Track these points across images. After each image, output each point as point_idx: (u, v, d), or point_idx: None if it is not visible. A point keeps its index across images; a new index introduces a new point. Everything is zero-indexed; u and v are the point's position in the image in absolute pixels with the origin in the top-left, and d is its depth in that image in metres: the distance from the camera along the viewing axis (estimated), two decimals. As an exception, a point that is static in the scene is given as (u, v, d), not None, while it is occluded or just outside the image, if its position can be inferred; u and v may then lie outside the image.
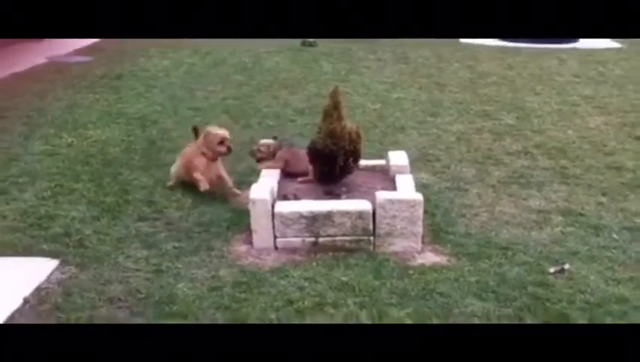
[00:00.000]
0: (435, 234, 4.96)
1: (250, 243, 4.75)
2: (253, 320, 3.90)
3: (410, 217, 4.65)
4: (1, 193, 5.64)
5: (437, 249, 4.76)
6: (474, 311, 3.99)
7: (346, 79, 9.70)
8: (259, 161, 5.69)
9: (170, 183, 5.76)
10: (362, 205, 4.68)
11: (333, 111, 4.95)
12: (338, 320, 3.90)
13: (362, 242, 4.67)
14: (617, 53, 12.02)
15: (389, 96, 8.90)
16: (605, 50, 12.31)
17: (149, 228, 5.03)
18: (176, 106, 8.36)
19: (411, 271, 4.43)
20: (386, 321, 3.89)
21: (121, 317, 3.94)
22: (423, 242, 4.76)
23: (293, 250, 4.67)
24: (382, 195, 4.67)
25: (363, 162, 5.32)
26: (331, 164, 4.99)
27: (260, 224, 4.69)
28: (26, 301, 4.08)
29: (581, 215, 5.31)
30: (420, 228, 4.70)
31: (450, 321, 3.90)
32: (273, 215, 4.65)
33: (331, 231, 4.65)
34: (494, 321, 3.89)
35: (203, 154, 5.55)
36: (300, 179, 5.27)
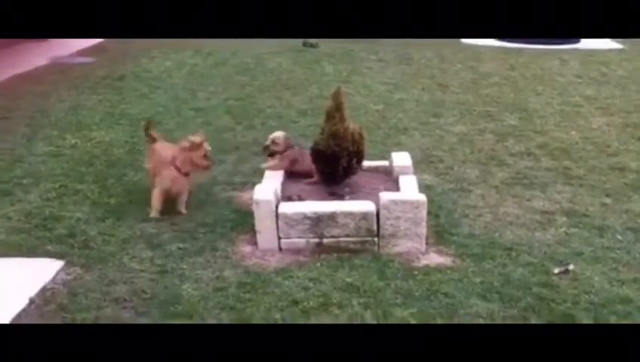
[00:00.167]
0: (439, 235, 4.97)
1: (255, 243, 4.76)
2: (257, 320, 3.91)
3: (414, 218, 4.65)
4: (6, 194, 5.66)
5: (441, 250, 4.76)
6: (478, 311, 4.00)
7: (348, 80, 9.71)
8: (271, 155, 5.52)
9: (153, 215, 5.20)
10: (366, 206, 4.69)
11: (335, 112, 4.96)
12: (343, 320, 3.91)
13: (366, 243, 4.68)
14: (619, 54, 12.02)
15: (391, 97, 8.91)
16: (607, 50, 12.30)
17: (154, 229, 5.04)
18: (179, 107, 8.37)
19: (415, 272, 4.44)
20: (390, 322, 3.90)
21: (126, 317, 3.96)
22: (427, 243, 4.77)
23: (297, 251, 4.68)
24: (386, 196, 4.68)
25: (366, 163, 5.32)
26: (334, 165, 4.99)
27: (264, 225, 4.70)
28: (31, 301, 4.09)
29: (585, 216, 5.32)
30: (423, 229, 4.71)
31: (455, 322, 3.91)
32: (277, 216, 4.66)
33: (335, 232, 4.66)
34: (499, 322, 3.90)
35: (177, 169, 5.10)
36: (306, 181, 5.26)
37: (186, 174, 5.19)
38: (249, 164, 6.37)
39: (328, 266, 4.51)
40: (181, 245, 4.79)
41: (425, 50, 11.77)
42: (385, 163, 5.58)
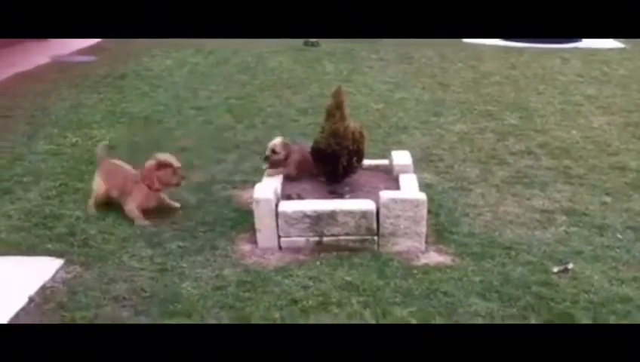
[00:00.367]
0: (439, 233, 4.97)
1: (255, 242, 4.76)
2: (257, 319, 3.91)
3: (414, 217, 4.65)
4: (6, 193, 5.66)
5: (441, 248, 4.76)
6: (478, 310, 4.00)
7: (349, 79, 9.71)
8: (273, 165, 5.24)
9: (91, 211, 5.24)
10: (366, 205, 4.69)
11: (336, 111, 4.95)
12: (342, 319, 3.91)
13: (366, 242, 4.68)
14: (621, 53, 12.01)
15: (392, 96, 8.91)
16: (608, 49, 12.29)
17: (154, 228, 5.04)
18: (180, 106, 8.38)
19: (415, 271, 4.44)
20: (389, 320, 3.90)
21: (126, 315, 3.96)
22: (426, 242, 4.77)
23: (297, 250, 4.68)
24: (386, 195, 4.68)
25: (366, 162, 5.32)
26: (334, 164, 4.99)
27: (263, 223, 4.70)
28: (31, 300, 4.10)
29: (585, 215, 5.31)
30: (423, 228, 4.71)
31: (454, 321, 3.91)
32: (277, 214, 4.66)
33: (335, 230, 4.66)
34: (498, 321, 3.90)
35: (149, 186, 5.13)
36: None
37: (157, 190, 5.21)
38: (249, 162, 6.38)
39: (328, 265, 4.51)
40: (181, 243, 4.80)
41: (426, 50, 11.77)
42: (385, 162, 5.57)
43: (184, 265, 4.52)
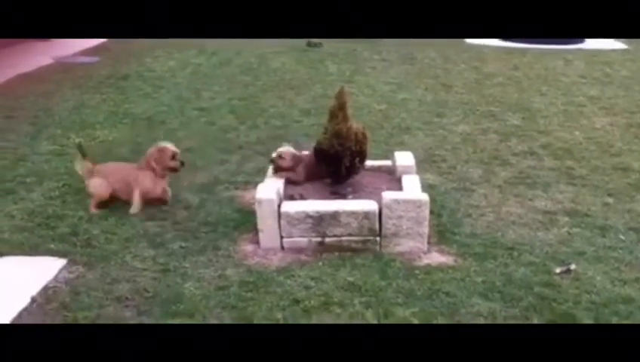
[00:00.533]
0: (441, 234, 4.97)
1: (257, 243, 4.76)
2: (259, 319, 3.91)
3: (417, 217, 4.65)
4: (9, 193, 5.68)
5: (443, 249, 4.76)
6: (480, 310, 4.00)
7: (352, 80, 9.71)
8: (278, 170, 5.21)
9: (94, 210, 5.30)
10: (368, 205, 4.69)
11: (338, 111, 4.96)
12: (344, 319, 3.92)
13: (368, 242, 4.68)
14: (623, 54, 12.00)
15: (394, 97, 8.91)
16: (611, 50, 12.28)
17: (157, 228, 5.05)
18: (183, 107, 8.39)
19: (417, 271, 4.44)
20: (391, 321, 3.90)
21: (128, 315, 3.97)
22: (429, 242, 4.77)
23: (299, 250, 4.68)
24: (388, 195, 4.68)
25: (369, 162, 5.32)
26: (337, 165, 5.00)
27: (266, 224, 4.70)
28: (33, 300, 4.11)
29: (587, 215, 5.31)
30: (426, 229, 4.71)
31: (456, 321, 3.91)
32: (279, 215, 4.67)
33: (337, 231, 4.66)
34: (500, 321, 3.90)
35: (153, 170, 5.28)
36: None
37: (162, 177, 5.36)
38: (252, 163, 6.38)
39: (330, 265, 4.51)
40: (183, 244, 4.80)
41: (428, 50, 11.77)
42: (388, 162, 5.57)
43: (187, 265, 4.52)
